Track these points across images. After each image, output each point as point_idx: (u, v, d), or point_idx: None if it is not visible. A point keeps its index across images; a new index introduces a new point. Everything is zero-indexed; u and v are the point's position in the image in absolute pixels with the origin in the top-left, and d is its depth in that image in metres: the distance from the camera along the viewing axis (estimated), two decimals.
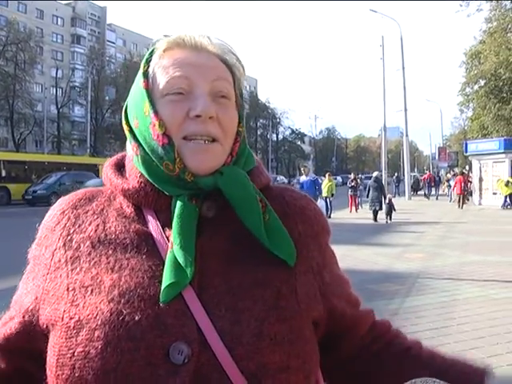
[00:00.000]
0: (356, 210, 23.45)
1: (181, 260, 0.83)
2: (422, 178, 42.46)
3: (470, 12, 46.67)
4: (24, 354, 0.91)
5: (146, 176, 0.92)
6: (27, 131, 56.80)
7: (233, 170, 0.91)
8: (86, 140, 54.48)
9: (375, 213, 19.03)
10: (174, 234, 0.86)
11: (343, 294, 1.01)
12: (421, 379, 0.84)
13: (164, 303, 0.80)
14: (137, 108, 0.94)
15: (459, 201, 27.57)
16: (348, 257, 10.37)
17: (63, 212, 0.95)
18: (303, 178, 17.09)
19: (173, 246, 0.85)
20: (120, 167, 1.00)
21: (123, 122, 0.98)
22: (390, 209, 18.95)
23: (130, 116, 0.97)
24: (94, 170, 32.86)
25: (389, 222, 18.75)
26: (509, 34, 37.64)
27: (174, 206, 0.88)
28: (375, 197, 19.26)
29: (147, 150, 0.91)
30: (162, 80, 0.91)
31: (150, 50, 0.97)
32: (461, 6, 37.02)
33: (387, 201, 18.98)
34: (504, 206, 25.81)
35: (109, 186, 0.98)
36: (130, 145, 0.97)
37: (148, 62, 0.95)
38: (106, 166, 1.01)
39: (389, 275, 8.77)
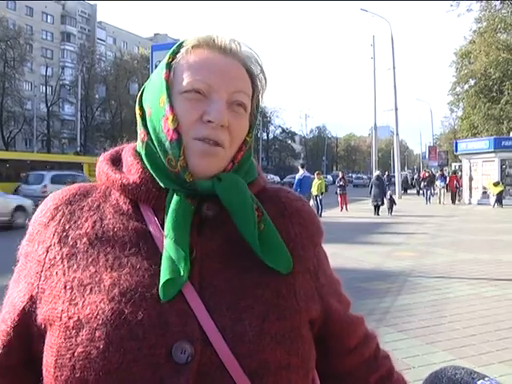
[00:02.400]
0: (346, 209, 23.54)
1: (173, 254, 0.82)
2: (422, 175, 42.47)
3: (460, 12, 46.99)
4: (20, 358, 0.88)
5: (147, 164, 0.92)
6: (17, 130, 56.49)
7: (231, 176, 0.91)
8: (76, 138, 54.29)
9: (377, 208, 21.53)
10: (167, 228, 0.85)
11: (336, 294, 1.01)
12: (450, 366, 0.84)
13: (165, 302, 0.80)
14: (153, 97, 0.93)
15: (452, 198, 29.67)
16: (339, 255, 10.39)
17: (57, 207, 0.93)
18: (297, 176, 17.09)
19: (165, 240, 0.84)
20: (115, 162, 0.98)
21: (137, 106, 0.97)
22: (391, 203, 21.74)
23: (144, 102, 0.96)
24: (79, 169, 32.19)
25: (390, 215, 21.23)
26: (498, 34, 38.00)
27: (170, 201, 0.88)
28: (377, 193, 21.65)
29: (154, 141, 0.91)
30: (184, 77, 0.90)
31: (178, 44, 0.95)
32: (451, 5, 37.34)
33: (388, 196, 21.75)
34: (495, 203, 26.13)
35: (104, 182, 0.96)
36: (138, 132, 0.97)
37: (174, 54, 0.93)
38: (101, 161, 0.99)
39: (380, 273, 8.80)
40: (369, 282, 8.06)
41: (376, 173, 24.38)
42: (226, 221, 0.90)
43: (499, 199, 26.37)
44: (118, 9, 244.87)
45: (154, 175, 0.90)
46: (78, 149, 51.61)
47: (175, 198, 0.87)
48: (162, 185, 0.89)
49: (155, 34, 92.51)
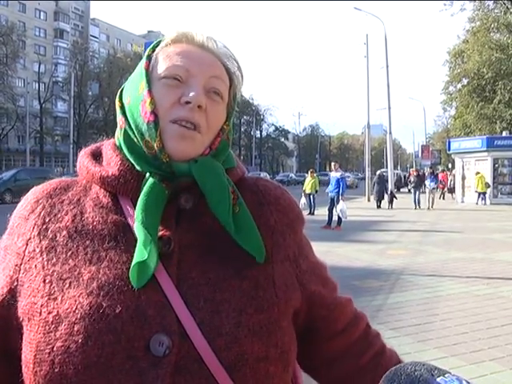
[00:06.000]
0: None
1: (140, 237, 0.82)
2: (409, 174, 41.99)
3: (453, 11, 46.89)
4: None
5: (124, 151, 0.93)
6: (9, 126, 56.18)
7: (208, 159, 0.91)
8: (69, 136, 54.07)
9: (379, 202, 25.27)
10: (137, 211, 0.85)
11: (320, 279, 1.01)
12: (410, 362, 0.83)
13: (142, 294, 0.80)
14: (132, 86, 0.95)
15: (440, 195, 31.22)
16: (331, 253, 10.31)
17: (37, 201, 0.93)
18: (333, 174, 17.00)
19: (135, 223, 0.84)
20: (96, 157, 0.99)
21: (117, 99, 0.98)
22: (392, 198, 25.42)
23: (124, 94, 0.98)
24: None
25: (391, 208, 24.58)
26: (492, 34, 38.15)
27: (145, 184, 0.88)
28: (378, 190, 25.48)
29: (132, 125, 0.91)
30: (162, 64, 0.92)
31: (158, 40, 0.99)
32: (445, 5, 37.40)
33: (389, 192, 25.76)
34: (483, 201, 26.70)
35: (84, 176, 0.96)
36: (118, 121, 0.97)
37: (154, 47, 0.97)
38: (82, 156, 0.99)
39: (372, 272, 8.82)
40: (361, 279, 8.06)
41: (378, 172, 28.20)
42: (204, 213, 0.90)
43: (483, 197, 27.10)
44: (111, 6, 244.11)
45: (132, 162, 0.91)
46: (71, 146, 51.34)
47: (149, 180, 0.88)
48: (139, 168, 0.90)
49: (149, 32, 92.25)
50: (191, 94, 0.88)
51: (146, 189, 0.87)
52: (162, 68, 0.92)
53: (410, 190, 29.80)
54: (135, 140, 0.91)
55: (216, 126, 0.94)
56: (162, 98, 0.89)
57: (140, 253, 0.81)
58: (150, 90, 0.90)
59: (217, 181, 0.89)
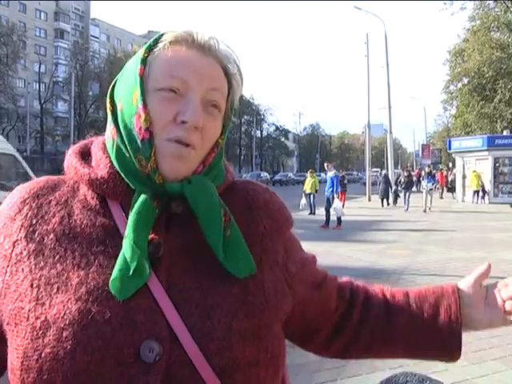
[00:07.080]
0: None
1: (128, 255, 0.80)
2: (415, 173, 41.77)
3: (453, 10, 46.97)
4: None
5: (115, 164, 0.89)
6: (10, 126, 56.22)
7: (202, 180, 0.89)
8: (70, 136, 54.07)
9: (383, 200, 26.75)
10: (128, 229, 0.82)
11: (309, 277, 1.04)
12: (402, 373, 0.83)
13: (131, 300, 0.79)
14: (126, 91, 0.90)
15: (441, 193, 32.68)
16: (332, 253, 10.31)
17: (24, 201, 0.90)
18: (329, 175, 17.16)
19: (124, 240, 0.82)
20: (84, 155, 0.96)
21: (108, 99, 0.94)
22: (396, 197, 27.27)
23: (116, 95, 0.93)
24: None
25: (395, 205, 26.38)
26: (492, 33, 38.16)
27: (135, 201, 0.85)
28: (383, 189, 26.96)
29: (124, 139, 0.88)
30: (159, 73, 0.87)
31: (154, 38, 0.92)
32: (445, 4, 37.34)
33: (393, 191, 27.45)
34: (482, 200, 27.39)
35: (72, 176, 0.93)
36: (108, 127, 0.94)
37: (150, 48, 0.90)
38: (70, 154, 0.96)
39: (373, 271, 8.80)
40: (362, 279, 7.97)
41: (383, 172, 30.09)
42: (195, 217, 0.88)
43: (482, 195, 27.94)
44: (111, 6, 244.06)
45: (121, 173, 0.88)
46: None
47: (141, 199, 0.85)
48: (131, 185, 0.87)
49: (149, 31, 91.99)
50: (188, 114, 0.85)
51: (136, 207, 0.84)
52: (158, 78, 0.87)
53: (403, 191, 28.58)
54: (127, 155, 0.87)
55: (211, 141, 0.92)
56: (159, 115, 0.85)
57: (122, 266, 0.80)
58: (145, 105, 0.85)
59: (209, 206, 0.87)
